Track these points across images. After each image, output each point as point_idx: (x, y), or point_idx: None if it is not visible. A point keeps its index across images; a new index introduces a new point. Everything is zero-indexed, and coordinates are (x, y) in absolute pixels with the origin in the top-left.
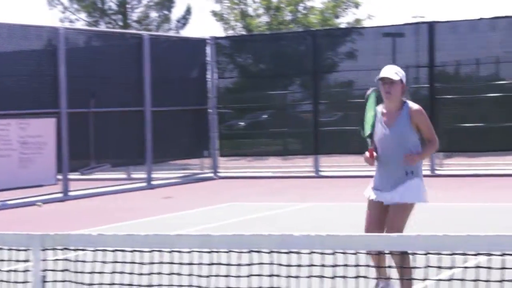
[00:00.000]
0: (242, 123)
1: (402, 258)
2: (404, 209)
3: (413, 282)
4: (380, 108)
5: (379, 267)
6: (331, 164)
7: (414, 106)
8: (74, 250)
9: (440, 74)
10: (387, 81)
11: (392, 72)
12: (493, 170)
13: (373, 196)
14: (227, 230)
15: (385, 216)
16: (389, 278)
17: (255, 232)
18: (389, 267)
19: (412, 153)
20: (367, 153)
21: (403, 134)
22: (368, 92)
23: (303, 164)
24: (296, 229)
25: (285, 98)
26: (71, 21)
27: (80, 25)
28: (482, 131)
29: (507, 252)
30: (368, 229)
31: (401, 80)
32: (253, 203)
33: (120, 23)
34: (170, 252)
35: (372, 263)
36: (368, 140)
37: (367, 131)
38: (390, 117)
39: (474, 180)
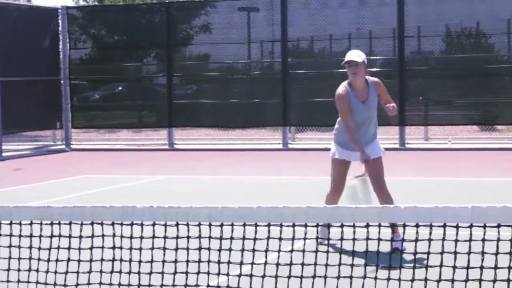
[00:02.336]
0: (96, 95)
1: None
2: (380, 161)
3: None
4: (348, 87)
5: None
6: (185, 137)
7: (375, 80)
8: None
9: (293, 49)
10: (352, 64)
11: (355, 55)
12: None
13: (347, 157)
14: (76, 203)
15: (347, 170)
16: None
17: (97, 204)
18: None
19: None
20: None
21: (375, 104)
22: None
23: (157, 137)
24: (147, 201)
25: (140, 70)
26: None
27: None
28: (332, 106)
29: (345, 224)
30: (340, 184)
31: (363, 62)
32: (106, 175)
33: None
34: (9, 224)
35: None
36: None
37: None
38: (362, 93)
39: (324, 154)
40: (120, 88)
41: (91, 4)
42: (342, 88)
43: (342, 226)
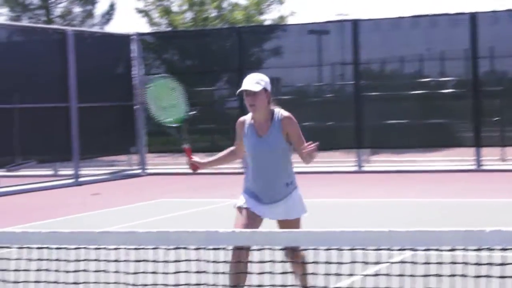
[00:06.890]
0: None
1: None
2: (298, 224)
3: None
4: (248, 118)
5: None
6: None
7: (284, 113)
8: None
9: (365, 71)
10: (249, 93)
11: (253, 82)
12: (416, 166)
13: (249, 205)
14: (155, 227)
15: (256, 227)
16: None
17: (181, 229)
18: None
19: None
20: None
21: (276, 143)
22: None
23: None
24: (225, 225)
25: (212, 94)
26: None
27: (2, 20)
28: (406, 127)
29: (431, 248)
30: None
31: (264, 89)
32: (183, 199)
33: (43, 18)
34: (96, 249)
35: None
36: (173, 130)
37: (173, 119)
38: (261, 127)
39: (398, 176)
40: (192, 112)
41: (163, 30)
42: (245, 116)
43: (427, 250)
